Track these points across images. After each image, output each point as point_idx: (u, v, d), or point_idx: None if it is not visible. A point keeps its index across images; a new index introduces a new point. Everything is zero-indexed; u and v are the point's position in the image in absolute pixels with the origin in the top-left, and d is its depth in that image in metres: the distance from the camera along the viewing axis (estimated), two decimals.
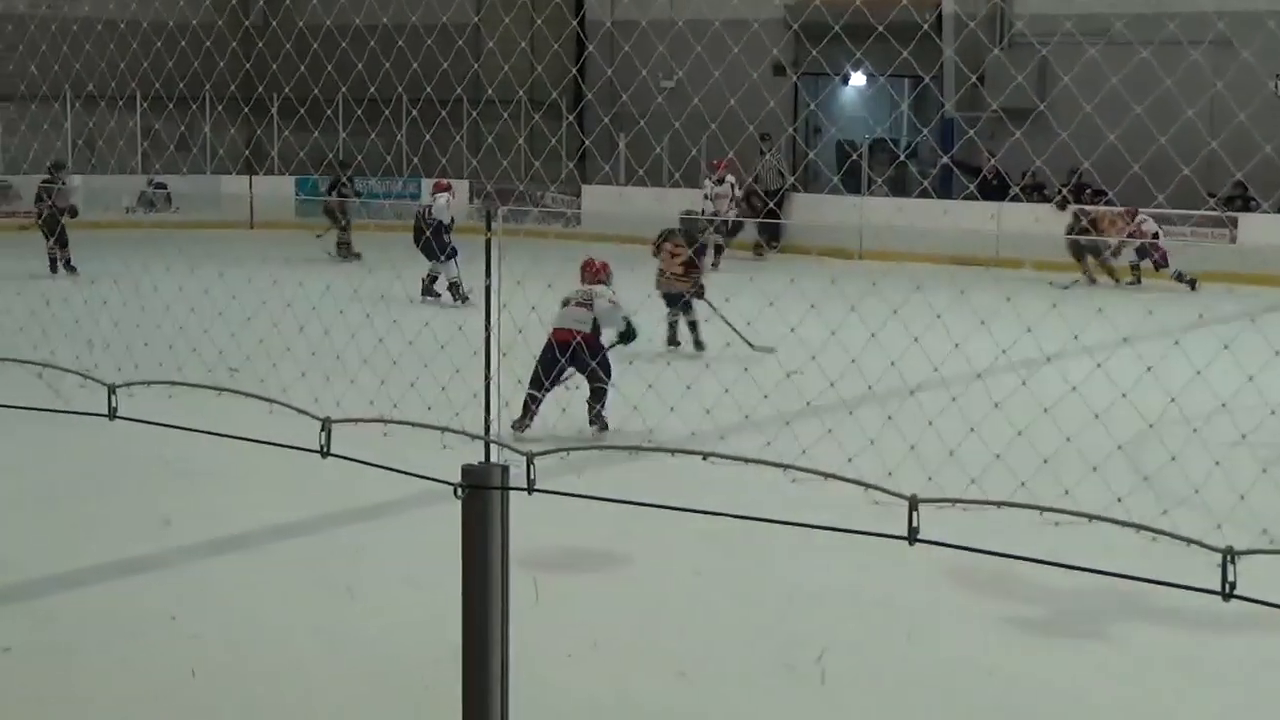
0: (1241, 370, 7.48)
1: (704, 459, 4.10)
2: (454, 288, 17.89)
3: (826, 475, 3.52)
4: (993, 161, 23.69)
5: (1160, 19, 9.90)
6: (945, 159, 21.40)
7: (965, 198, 23.36)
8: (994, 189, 23.32)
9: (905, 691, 6.28)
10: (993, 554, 3.37)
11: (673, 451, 8.59)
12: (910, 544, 3.11)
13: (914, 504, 3.15)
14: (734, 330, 13.16)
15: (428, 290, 17.96)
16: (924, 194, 22.21)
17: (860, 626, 6.99)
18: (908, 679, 6.40)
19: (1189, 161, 7.60)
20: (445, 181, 19.54)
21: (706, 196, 22.98)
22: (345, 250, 22.56)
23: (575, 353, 10.40)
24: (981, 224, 21.98)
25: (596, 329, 10.90)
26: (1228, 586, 3.14)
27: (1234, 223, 21.77)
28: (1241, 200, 21.41)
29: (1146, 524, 3.61)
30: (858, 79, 28.39)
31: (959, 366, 8.80)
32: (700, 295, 14.36)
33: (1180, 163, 7.51)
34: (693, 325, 14.52)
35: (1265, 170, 9.07)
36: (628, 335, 11.36)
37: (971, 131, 21.77)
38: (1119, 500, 6.91)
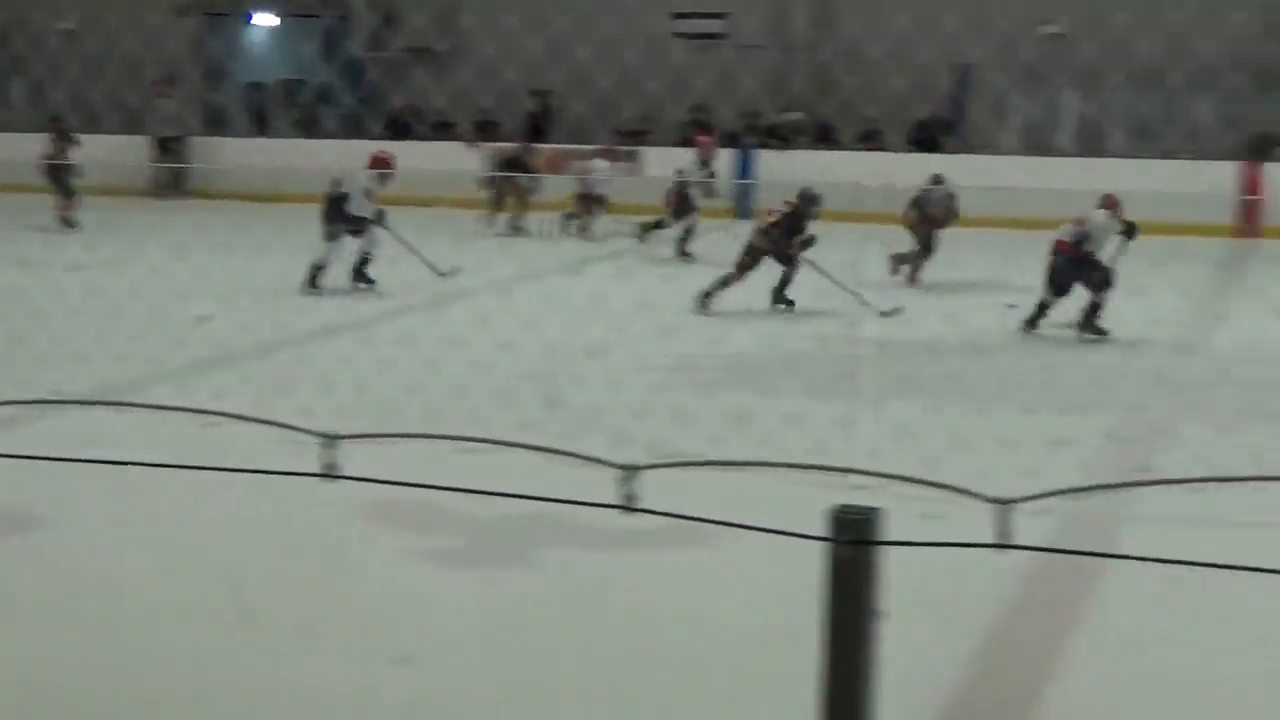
0: (637, 296, 7.92)
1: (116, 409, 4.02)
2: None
3: (240, 417, 3.53)
4: (402, 101, 23.92)
5: None
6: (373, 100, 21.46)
7: (378, 138, 23.53)
8: (405, 129, 23.55)
9: (333, 628, 6.34)
10: (411, 485, 3.46)
11: (92, 404, 8.30)
12: (330, 480, 3.17)
13: (332, 440, 3.21)
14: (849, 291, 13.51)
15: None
16: (335, 134, 22.16)
17: (285, 565, 6.99)
18: (335, 615, 6.46)
19: (590, 97, 7.91)
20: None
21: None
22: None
23: None
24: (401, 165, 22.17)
25: None
26: (630, 500, 3.38)
27: (634, 156, 22.89)
28: (639, 135, 22.52)
29: (554, 446, 3.81)
30: (265, 18, 27.94)
31: (374, 306, 8.90)
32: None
33: (580, 100, 7.81)
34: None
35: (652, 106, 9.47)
36: None
37: (428, 79, 21.84)
38: (529, 425, 7.20)
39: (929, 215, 15.88)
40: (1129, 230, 13.26)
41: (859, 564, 3.34)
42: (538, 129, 23.45)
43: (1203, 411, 7.61)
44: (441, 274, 14.47)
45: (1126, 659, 6.17)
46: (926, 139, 23.49)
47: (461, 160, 21.84)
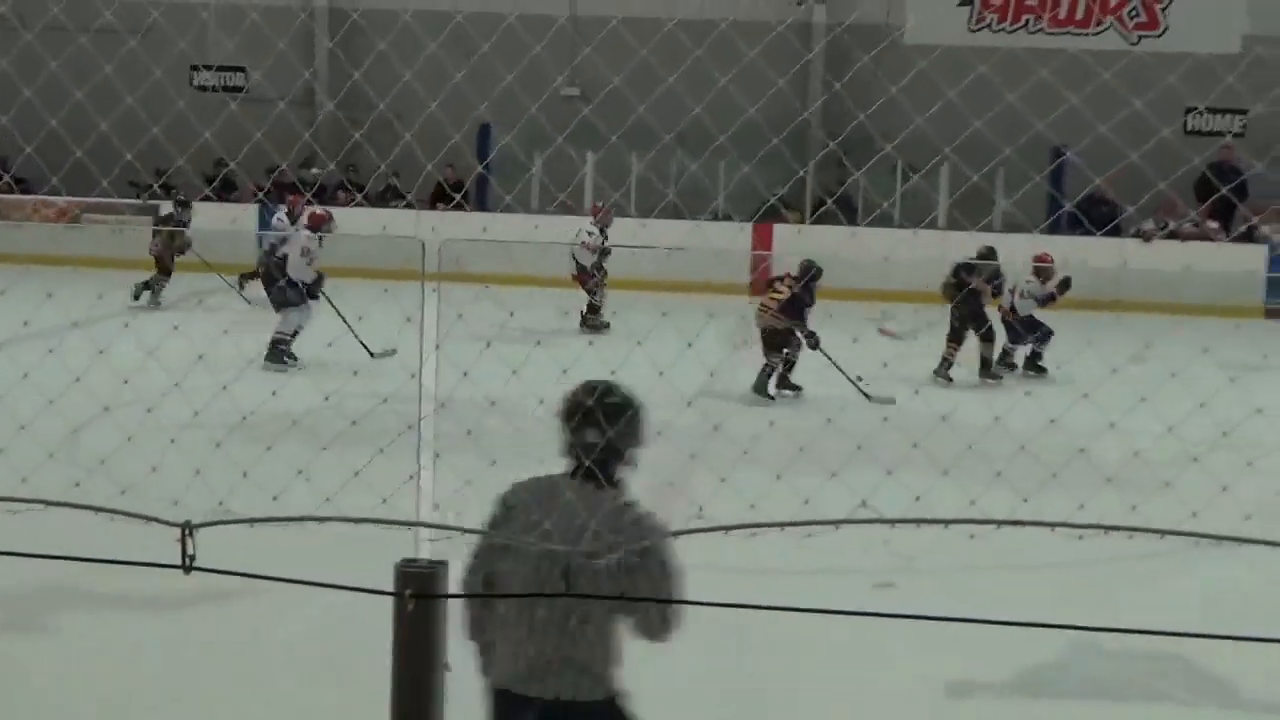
0: (193, 350, 7.67)
1: None
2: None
3: None
4: None
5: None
6: None
7: None
8: None
9: None
10: None
11: None
12: None
13: None
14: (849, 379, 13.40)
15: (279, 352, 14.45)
16: None
17: None
18: None
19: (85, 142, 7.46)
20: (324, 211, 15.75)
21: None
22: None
23: None
24: None
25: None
26: (188, 560, 3.25)
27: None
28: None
29: (105, 505, 3.64)
30: None
31: None
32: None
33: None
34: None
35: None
36: None
37: None
38: (77, 485, 6.86)
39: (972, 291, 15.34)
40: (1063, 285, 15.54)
41: (425, 617, 3.31)
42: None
43: (756, 460, 7.93)
44: (374, 355, 13.90)
45: (672, 698, 6.33)
46: (449, 197, 23.74)
47: None
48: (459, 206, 23.19)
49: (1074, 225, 23.18)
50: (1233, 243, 23.57)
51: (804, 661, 6.88)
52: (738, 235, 22.33)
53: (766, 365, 13.69)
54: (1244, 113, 25.41)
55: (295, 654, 6.58)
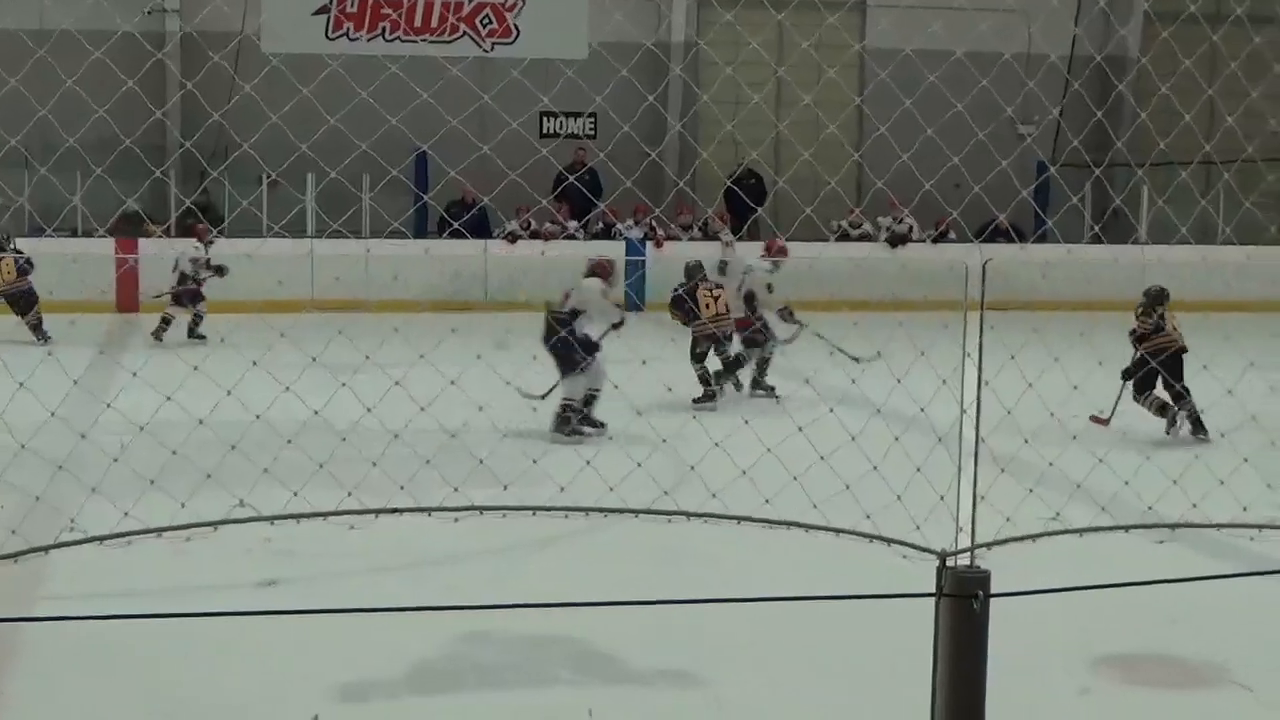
0: None
1: None
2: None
3: None
4: None
5: None
6: None
7: None
8: None
9: None
10: None
11: None
12: None
13: None
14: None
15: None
16: None
17: None
18: None
19: None
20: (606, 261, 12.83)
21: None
22: None
23: None
24: None
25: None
26: None
27: None
28: None
29: None
30: None
31: None
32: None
33: None
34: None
35: None
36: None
37: None
38: None
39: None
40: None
41: None
42: None
43: (131, 467, 7.76)
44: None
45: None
46: None
47: None
48: None
49: (443, 228, 23.80)
50: (591, 239, 24.82)
51: (192, 670, 6.76)
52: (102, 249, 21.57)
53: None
54: (593, 116, 26.80)
55: None
